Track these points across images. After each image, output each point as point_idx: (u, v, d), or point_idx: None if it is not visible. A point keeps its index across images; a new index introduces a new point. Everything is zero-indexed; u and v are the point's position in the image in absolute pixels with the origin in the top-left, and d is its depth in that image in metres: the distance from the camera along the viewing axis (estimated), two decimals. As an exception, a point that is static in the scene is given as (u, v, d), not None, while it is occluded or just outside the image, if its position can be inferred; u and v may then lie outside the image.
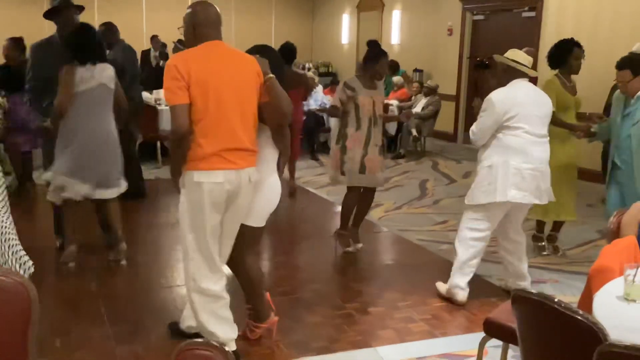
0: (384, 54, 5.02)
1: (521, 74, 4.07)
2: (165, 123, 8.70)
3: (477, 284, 4.47)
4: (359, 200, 5.18)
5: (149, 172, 7.96)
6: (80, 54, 4.40)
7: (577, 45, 4.95)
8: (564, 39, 5.07)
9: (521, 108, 3.98)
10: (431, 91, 9.97)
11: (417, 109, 10.04)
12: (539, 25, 9.25)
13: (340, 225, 5.22)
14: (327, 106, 9.97)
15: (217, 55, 3.11)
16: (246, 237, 3.34)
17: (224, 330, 3.26)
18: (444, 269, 4.82)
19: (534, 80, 4.40)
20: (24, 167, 6.83)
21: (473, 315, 4.03)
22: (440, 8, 11.42)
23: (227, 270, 3.34)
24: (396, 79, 11.18)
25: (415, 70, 12.03)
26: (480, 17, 10.72)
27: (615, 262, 2.56)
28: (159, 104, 8.87)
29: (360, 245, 5.27)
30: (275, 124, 3.29)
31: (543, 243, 5.33)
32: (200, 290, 3.20)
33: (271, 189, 3.40)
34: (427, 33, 11.93)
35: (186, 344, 1.68)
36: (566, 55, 4.90)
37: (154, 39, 10.86)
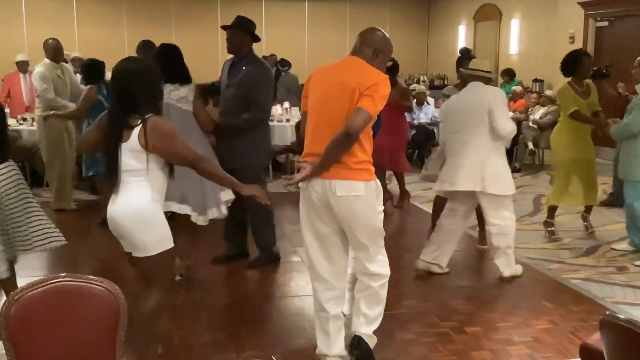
0: (466, 59, 5.31)
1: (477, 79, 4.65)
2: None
3: (587, 306, 4.24)
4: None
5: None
6: None
7: (586, 54, 5.72)
8: (574, 50, 5.78)
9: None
10: (549, 101, 9.54)
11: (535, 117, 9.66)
12: (669, 29, 8.63)
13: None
14: (439, 120, 9.84)
15: (336, 68, 3.27)
16: None
17: (321, 342, 3.33)
18: (552, 290, 4.61)
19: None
20: None
21: (578, 339, 3.78)
22: (561, 15, 10.92)
23: None
24: (516, 88, 10.74)
25: (535, 80, 11.56)
26: (604, 23, 10.14)
27: None
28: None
29: (484, 247, 5.27)
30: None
31: (552, 228, 5.92)
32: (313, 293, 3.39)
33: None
34: (547, 41, 11.45)
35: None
36: (577, 64, 5.54)
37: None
